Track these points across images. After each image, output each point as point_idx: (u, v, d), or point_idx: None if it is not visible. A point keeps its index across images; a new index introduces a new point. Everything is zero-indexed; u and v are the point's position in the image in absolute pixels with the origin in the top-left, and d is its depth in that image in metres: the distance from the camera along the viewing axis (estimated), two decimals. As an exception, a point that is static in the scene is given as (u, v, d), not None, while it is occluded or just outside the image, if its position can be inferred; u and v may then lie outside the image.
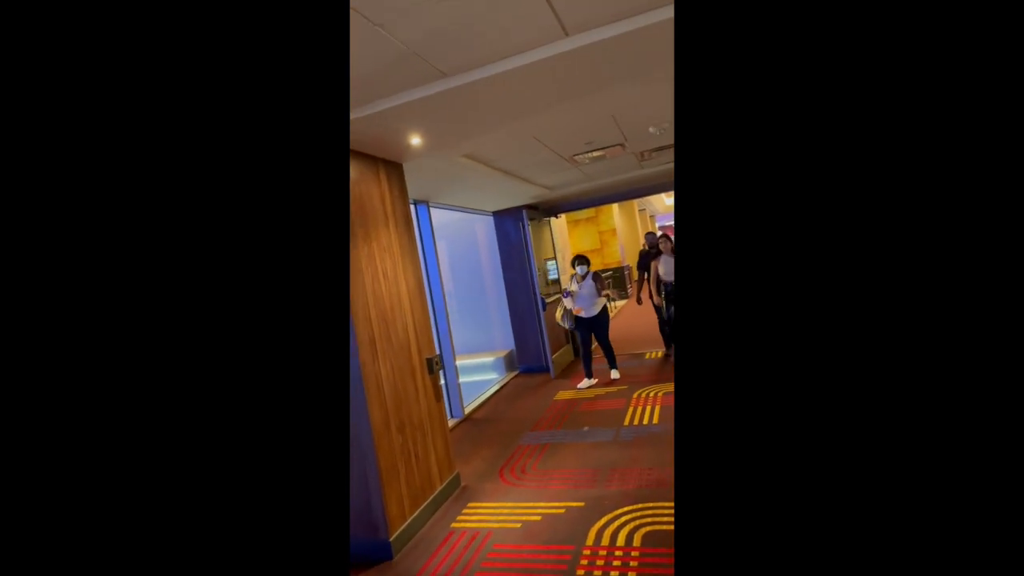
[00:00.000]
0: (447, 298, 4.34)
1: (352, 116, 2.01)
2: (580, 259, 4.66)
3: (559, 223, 6.53)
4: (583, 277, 4.57)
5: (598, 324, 4.58)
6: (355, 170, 2.41)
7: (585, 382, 4.60)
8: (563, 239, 6.70)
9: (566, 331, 5.71)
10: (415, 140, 2.43)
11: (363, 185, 2.46)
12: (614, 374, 4.64)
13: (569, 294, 4.56)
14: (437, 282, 4.16)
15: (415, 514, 2.44)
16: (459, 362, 4.44)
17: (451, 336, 4.23)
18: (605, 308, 4.58)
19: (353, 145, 2.36)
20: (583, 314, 4.53)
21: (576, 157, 3.69)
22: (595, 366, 4.82)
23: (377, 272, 2.47)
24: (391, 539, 2.24)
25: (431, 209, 4.27)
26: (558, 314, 4.73)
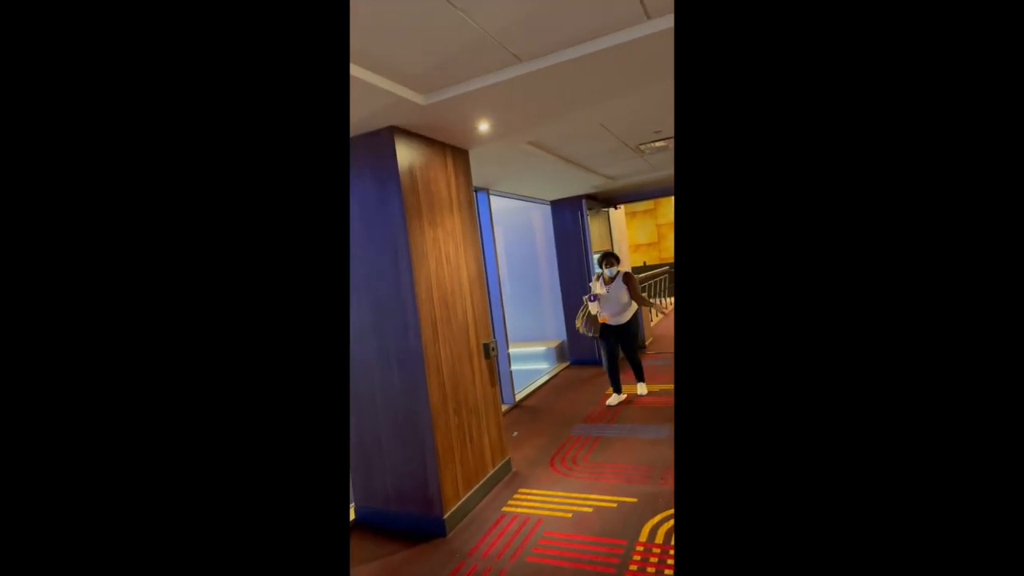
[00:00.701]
0: (503, 286, 4.37)
1: (424, 102, 2.04)
2: (608, 257, 3.92)
3: (617, 214, 6.39)
4: (611, 279, 3.87)
5: (626, 334, 3.91)
6: (423, 155, 2.46)
7: (614, 398, 3.97)
8: (620, 231, 6.56)
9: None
10: (483, 126, 2.44)
11: (431, 170, 2.51)
12: (641, 389, 4.06)
13: (596, 298, 3.86)
14: (494, 269, 4.20)
15: (468, 494, 2.50)
16: (511, 350, 4.47)
17: (505, 323, 4.27)
18: (636, 315, 3.99)
19: (422, 131, 2.40)
20: (610, 322, 3.88)
21: (642, 146, 3.58)
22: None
23: (441, 256, 2.52)
24: (445, 516, 2.31)
25: (491, 196, 4.29)
26: (579, 320, 4.02)
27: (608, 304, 3.86)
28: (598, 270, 3.95)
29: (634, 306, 3.91)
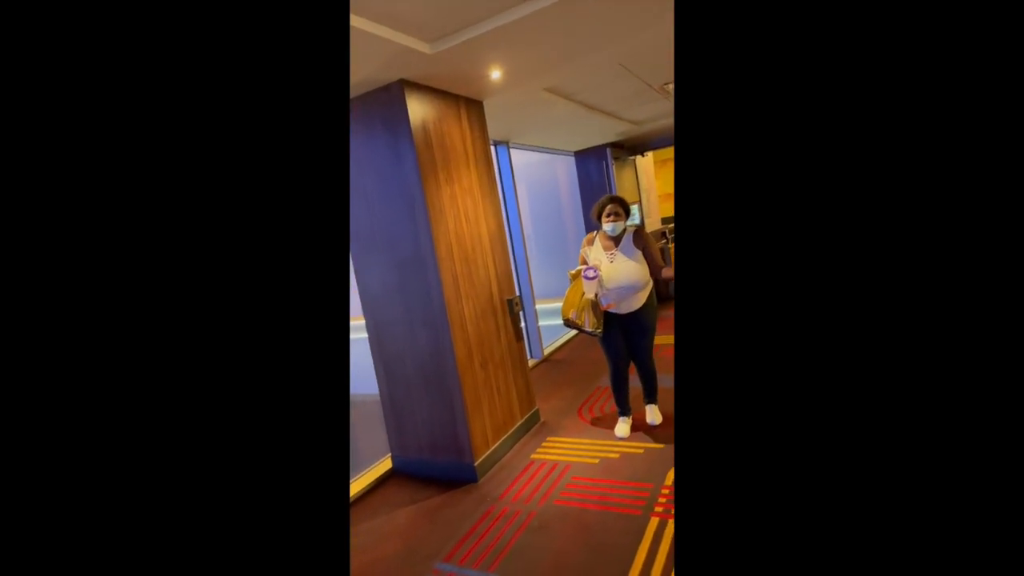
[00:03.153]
0: (527, 242, 4.33)
1: (432, 51, 1.97)
2: (613, 203, 2.40)
3: (645, 162, 6.15)
4: (616, 240, 2.41)
5: (638, 328, 2.46)
6: (436, 108, 2.41)
7: (622, 425, 2.61)
8: (648, 179, 6.33)
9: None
10: (495, 74, 2.35)
11: (444, 124, 2.46)
12: (652, 415, 2.65)
13: (595, 272, 2.35)
14: (517, 225, 4.15)
15: (497, 443, 2.58)
16: (538, 306, 4.48)
17: (531, 279, 4.26)
18: (652, 298, 2.50)
19: (433, 83, 2.33)
20: (616, 309, 2.44)
21: (667, 87, 3.38)
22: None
23: (459, 213, 2.51)
24: (476, 464, 2.41)
25: (511, 150, 4.19)
26: (568, 309, 2.48)
27: (615, 280, 2.37)
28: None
29: (651, 284, 2.47)
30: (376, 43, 1.79)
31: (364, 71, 2.04)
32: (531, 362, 4.11)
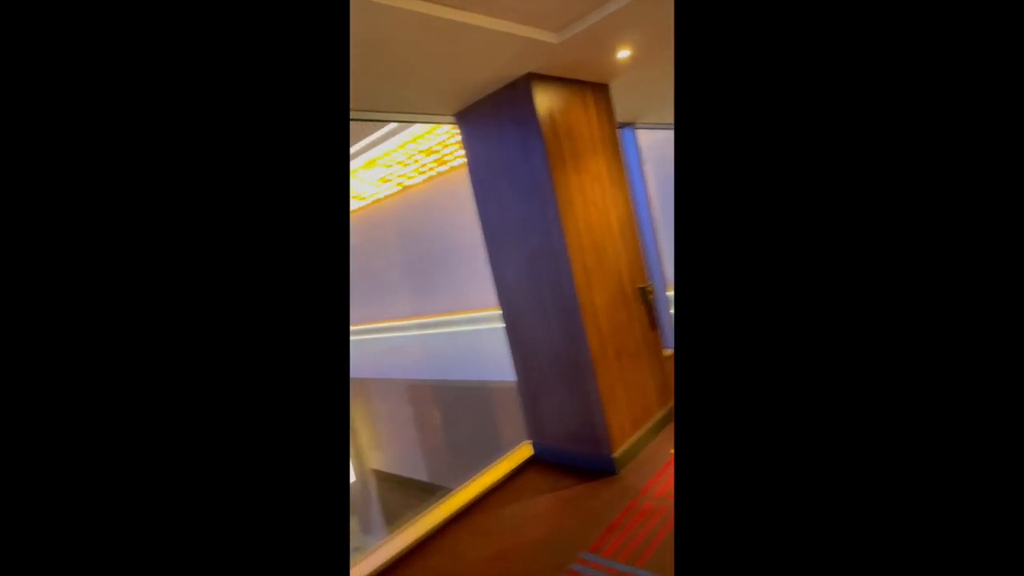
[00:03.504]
0: (656, 226, 4.11)
1: (558, 40, 1.95)
2: None
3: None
4: None
5: None
6: (562, 98, 2.38)
7: None
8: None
9: None
10: (622, 53, 2.25)
11: (570, 113, 2.43)
12: None
13: None
14: (646, 209, 3.97)
15: (634, 437, 2.51)
16: (670, 293, 4.24)
17: (661, 266, 4.04)
18: None
19: (558, 72, 2.31)
20: None
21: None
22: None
23: (587, 202, 2.46)
24: (614, 455, 2.37)
25: (637, 131, 4.00)
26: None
27: None
28: None
29: None
30: (504, 40, 1.82)
31: (492, 69, 2.10)
32: (666, 352, 3.91)
